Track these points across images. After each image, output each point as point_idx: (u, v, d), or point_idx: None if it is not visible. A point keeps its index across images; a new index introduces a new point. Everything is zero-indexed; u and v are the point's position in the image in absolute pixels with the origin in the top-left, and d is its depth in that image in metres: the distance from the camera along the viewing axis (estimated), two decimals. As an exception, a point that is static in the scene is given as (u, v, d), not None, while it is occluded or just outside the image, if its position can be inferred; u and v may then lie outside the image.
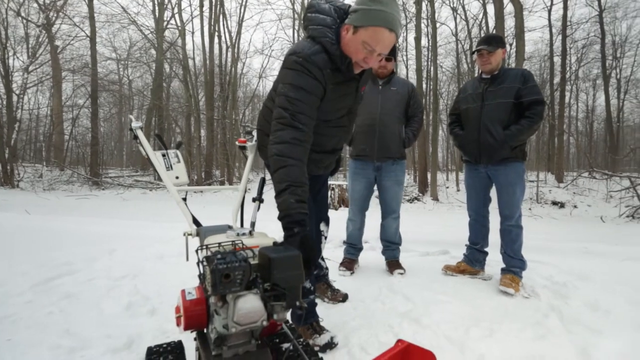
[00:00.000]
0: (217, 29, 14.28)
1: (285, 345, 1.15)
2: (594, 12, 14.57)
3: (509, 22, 12.10)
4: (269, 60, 27.04)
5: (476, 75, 2.62)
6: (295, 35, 16.79)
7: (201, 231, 1.29)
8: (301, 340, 1.21)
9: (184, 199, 1.38)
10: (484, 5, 13.33)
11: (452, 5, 14.55)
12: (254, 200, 1.56)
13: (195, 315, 1.01)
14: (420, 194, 11.17)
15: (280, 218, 1.17)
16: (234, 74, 14.95)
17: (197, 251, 0.99)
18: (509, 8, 10.79)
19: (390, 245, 2.82)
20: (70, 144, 17.55)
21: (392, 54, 2.31)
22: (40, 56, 14.55)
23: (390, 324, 1.82)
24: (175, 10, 14.80)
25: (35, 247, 3.32)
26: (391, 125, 2.62)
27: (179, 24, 14.69)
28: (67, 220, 5.32)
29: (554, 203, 9.41)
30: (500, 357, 1.50)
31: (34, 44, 14.72)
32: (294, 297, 0.95)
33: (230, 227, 1.39)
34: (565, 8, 13.57)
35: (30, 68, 13.59)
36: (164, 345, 1.16)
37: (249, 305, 0.90)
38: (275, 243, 1.06)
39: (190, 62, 14.94)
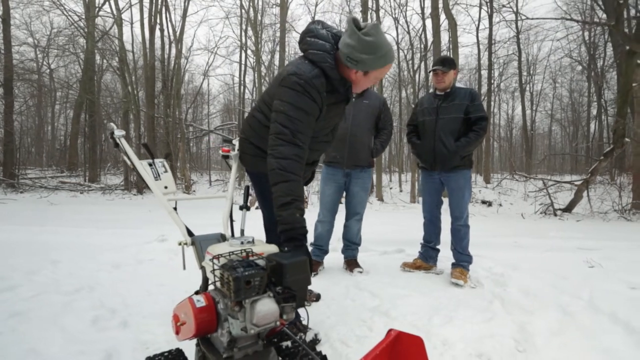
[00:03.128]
0: (159, 21, 13.43)
1: (285, 344, 1.23)
2: (513, 33, 16.63)
3: (445, 37, 13.27)
4: (215, 58, 26.00)
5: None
6: (243, 35, 16.46)
7: (196, 240, 1.32)
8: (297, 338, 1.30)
9: (175, 209, 1.38)
10: (423, 20, 14.41)
11: (394, 16, 15.52)
12: (241, 208, 1.61)
13: (205, 321, 1.05)
14: (367, 195, 11.71)
15: (285, 230, 1.24)
16: (177, 70, 14.17)
17: (211, 260, 1.03)
18: (444, 24, 11.87)
19: (351, 245, 3.01)
20: (-25, 140, 15.08)
21: None
22: None
23: (363, 319, 1.98)
24: (110, -5, 13.55)
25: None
26: (361, 136, 2.80)
27: (114, 12, 13.49)
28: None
29: (483, 202, 10.53)
30: (460, 340, 1.73)
31: None
32: (303, 298, 1.05)
33: (222, 236, 1.43)
34: (491, 28, 15.29)
35: None
36: (165, 354, 1.17)
37: (267, 308, 0.97)
38: (281, 250, 1.14)
39: (129, 55, 13.80)
